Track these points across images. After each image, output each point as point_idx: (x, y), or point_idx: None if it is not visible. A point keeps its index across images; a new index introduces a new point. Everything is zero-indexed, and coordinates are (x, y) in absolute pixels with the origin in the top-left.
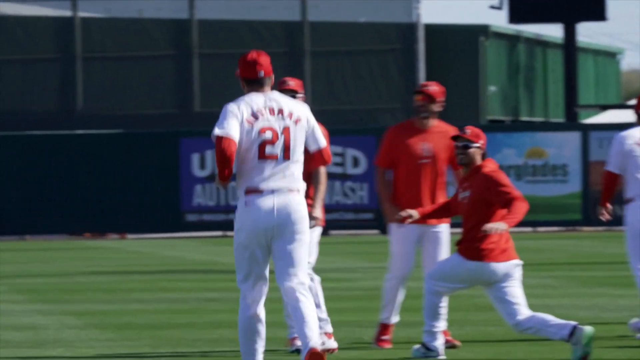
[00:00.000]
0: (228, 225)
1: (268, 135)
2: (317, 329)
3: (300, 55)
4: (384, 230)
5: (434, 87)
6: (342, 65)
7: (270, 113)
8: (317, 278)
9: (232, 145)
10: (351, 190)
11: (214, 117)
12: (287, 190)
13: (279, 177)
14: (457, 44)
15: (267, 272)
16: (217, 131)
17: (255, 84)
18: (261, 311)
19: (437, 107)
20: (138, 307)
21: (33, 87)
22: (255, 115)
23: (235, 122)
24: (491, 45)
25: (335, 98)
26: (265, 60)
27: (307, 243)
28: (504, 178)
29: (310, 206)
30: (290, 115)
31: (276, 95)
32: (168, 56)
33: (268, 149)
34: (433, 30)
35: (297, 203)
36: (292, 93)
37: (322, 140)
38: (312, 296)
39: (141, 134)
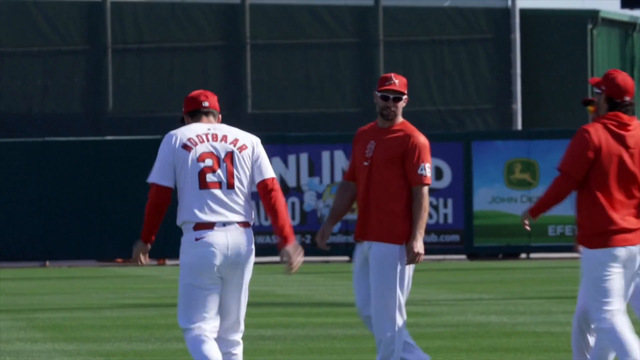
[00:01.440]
0: None
1: (208, 162)
2: None
3: (372, 46)
4: (472, 255)
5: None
6: (422, 57)
7: (213, 139)
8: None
9: (165, 193)
10: (433, 208)
11: (269, 119)
12: (236, 224)
13: (225, 209)
14: (560, 33)
15: (216, 313)
16: (149, 177)
17: (198, 114)
18: (212, 343)
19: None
20: (179, 346)
21: (56, 84)
22: (193, 142)
23: (168, 157)
24: (601, 34)
25: (414, 97)
26: (212, 96)
27: (247, 289)
28: None
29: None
30: (235, 142)
31: (222, 125)
32: (216, 47)
33: (209, 177)
34: (531, 17)
35: (248, 241)
36: (397, 94)
37: (269, 171)
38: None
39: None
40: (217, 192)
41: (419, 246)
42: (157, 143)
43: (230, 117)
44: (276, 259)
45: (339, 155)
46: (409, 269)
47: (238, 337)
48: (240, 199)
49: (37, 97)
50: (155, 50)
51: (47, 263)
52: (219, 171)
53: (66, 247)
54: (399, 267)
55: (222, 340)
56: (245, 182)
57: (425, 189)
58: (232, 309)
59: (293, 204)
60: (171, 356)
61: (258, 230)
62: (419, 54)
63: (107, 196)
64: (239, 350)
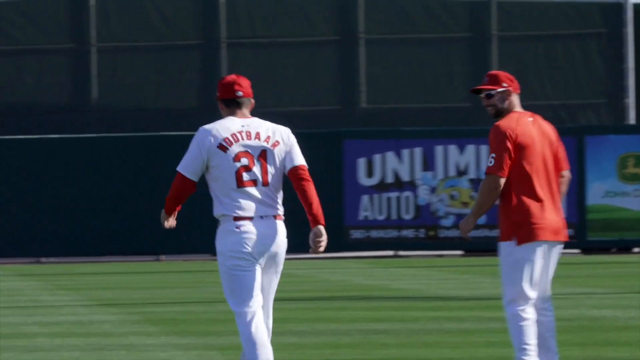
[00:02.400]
0: (400, 244)
1: (244, 161)
2: (269, 353)
3: (485, 41)
4: (586, 249)
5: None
6: (535, 52)
7: (247, 137)
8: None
9: (188, 184)
10: None
11: (383, 114)
12: (272, 217)
13: (261, 204)
14: None
15: (259, 293)
16: (178, 166)
17: (233, 105)
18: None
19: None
20: (294, 340)
21: (170, 79)
22: (228, 141)
23: (198, 155)
24: None
25: (527, 91)
26: (244, 82)
27: (278, 278)
28: None
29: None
30: (268, 139)
31: (255, 119)
32: (329, 42)
33: (245, 176)
34: None
35: (282, 233)
36: (485, 92)
37: (299, 159)
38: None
39: (296, 134)
40: (253, 189)
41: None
42: None
43: (344, 112)
44: (387, 253)
45: (453, 149)
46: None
47: (269, 324)
48: (275, 195)
49: (151, 92)
50: (269, 45)
51: (162, 257)
52: (254, 169)
53: (180, 241)
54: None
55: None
56: (279, 177)
57: (488, 177)
58: (264, 297)
59: (407, 198)
60: (284, 350)
61: (368, 225)
62: (532, 49)
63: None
64: (264, 322)
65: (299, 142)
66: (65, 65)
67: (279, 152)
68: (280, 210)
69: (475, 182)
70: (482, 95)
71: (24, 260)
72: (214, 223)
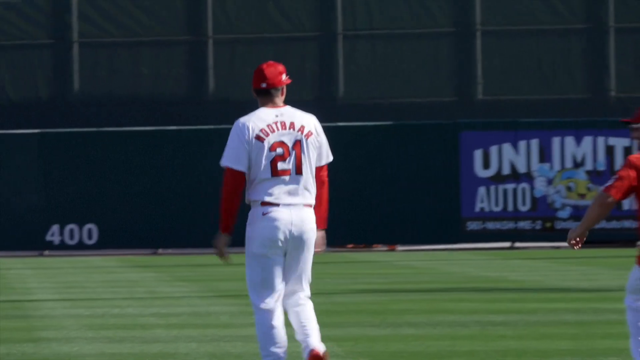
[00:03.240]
0: (517, 235)
1: (279, 151)
2: (317, 332)
3: (603, 32)
4: None
5: None
6: None
7: (282, 127)
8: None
9: (239, 177)
10: None
11: (499, 105)
12: (302, 205)
13: (293, 193)
14: None
15: (281, 282)
16: (223, 161)
17: (262, 95)
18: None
19: None
20: (411, 331)
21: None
22: (265, 132)
23: (240, 146)
24: None
25: None
26: (272, 71)
27: (311, 258)
28: None
29: None
30: (302, 129)
31: (287, 108)
32: (446, 34)
33: (280, 165)
34: None
35: (311, 219)
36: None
37: (324, 158)
38: (311, 305)
39: (412, 126)
40: (287, 178)
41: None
42: (388, 129)
43: (461, 104)
44: (503, 244)
45: (570, 141)
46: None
47: (303, 293)
48: (308, 183)
49: None
50: (386, 36)
51: None
52: (289, 159)
53: None
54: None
55: (291, 299)
56: (312, 166)
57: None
58: (290, 281)
59: (523, 189)
60: (402, 342)
61: (484, 217)
62: None
63: (342, 182)
64: (305, 301)
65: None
66: (182, 57)
67: (312, 142)
68: (312, 199)
69: (592, 174)
70: (631, 127)
71: (142, 251)
72: (333, 212)
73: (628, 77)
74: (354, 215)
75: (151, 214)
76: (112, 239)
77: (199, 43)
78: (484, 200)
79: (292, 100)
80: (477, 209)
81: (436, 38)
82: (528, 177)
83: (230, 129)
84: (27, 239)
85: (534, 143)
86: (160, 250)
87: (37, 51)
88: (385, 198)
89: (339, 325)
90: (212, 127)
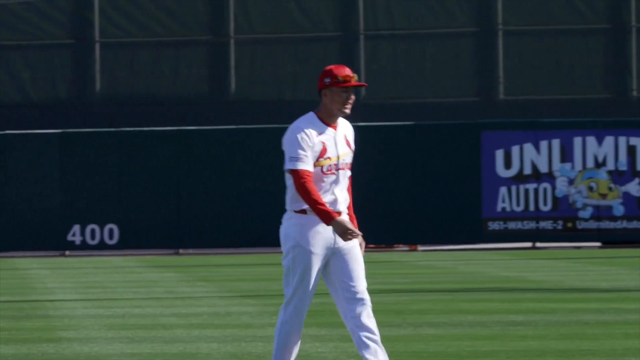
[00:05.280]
0: (538, 235)
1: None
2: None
3: (625, 32)
4: None
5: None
6: None
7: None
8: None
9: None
10: None
11: (521, 105)
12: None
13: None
14: None
15: (312, 296)
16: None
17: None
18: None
19: None
20: (431, 332)
21: (307, 71)
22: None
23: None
24: None
25: None
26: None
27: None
28: None
29: None
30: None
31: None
32: (468, 34)
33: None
34: None
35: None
36: None
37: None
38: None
39: (434, 126)
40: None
41: None
42: (409, 129)
43: (482, 104)
44: (525, 244)
45: (591, 141)
46: None
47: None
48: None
49: (289, 84)
50: (407, 36)
51: None
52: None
53: None
54: None
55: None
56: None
57: None
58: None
59: (545, 189)
60: (422, 342)
61: (506, 216)
62: None
63: (357, 182)
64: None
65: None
66: (203, 58)
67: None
68: (286, 205)
69: (613, 174)
70: None
71: (163, 251)
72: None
73: None
74: (375, 215)
75: (172, 214)
76: (133, 239)
77: (220, 43)
78: (505, 200)
79: (314, 101)
80: (498, 209)
81: (458, 38)
82: (549, 177)
83: (252, 128)
84: (49, 239)
85: (555, 143)
86: (181, 251)
87: (57, 51)
88: (406, 198)
89: None
90: (233, 127)
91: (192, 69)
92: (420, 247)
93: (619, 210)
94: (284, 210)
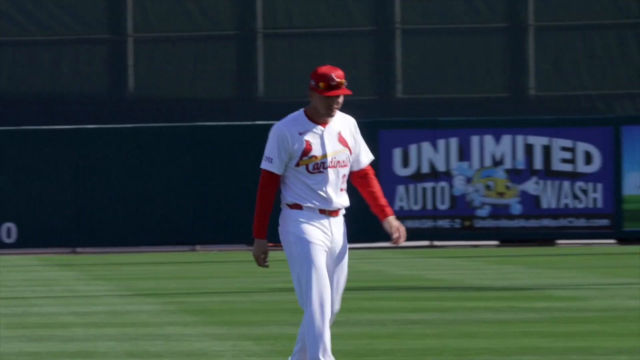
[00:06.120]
0: (436, 234)
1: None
2: None
3: (522, 31)
4: (622, 239)
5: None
6: (572, 42)
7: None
8: None
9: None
10: (582, 192)
11: (419, 104)
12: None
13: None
14: None
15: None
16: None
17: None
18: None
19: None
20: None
21: (207, 69)
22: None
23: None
24: None
25: (563, 81)
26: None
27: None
28: None
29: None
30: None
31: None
32: (366, 32)
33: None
34: None
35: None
36: None
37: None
38: None
39: None
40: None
41: None
42: None
43: (380, 102)
44: (423, 243)
45: (489, 139)
46: None
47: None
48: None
49: (188, 82)
50: (305, 35)
51: (198, 247)
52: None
53: (217, 232)
54: None
55: None
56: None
57: None
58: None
59: (442, 188)
60: None
61: (403, 215)
62: (568, 39)
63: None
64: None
65: None
66: (102, 56)
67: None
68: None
69: (511, 173)
70: None
71: (61, 250)
72: (251, 213)
73: (547, 76)
74: (272, 212)
75: (70, 212)
76: (31, 238)
77: (119, 42)
78: (403, 199)
79: (213, 100)
80: (396, 208)
81: (356, 37)
82: (447, 175)
83: (149, 127)
84: None
85: (453, 142)
86: (79, 249)
87: None
88: None
89: (258, 324)
90: (131, 125)
91: (91, 67)
92: None
93: (517, 209)
94: (183, 208)
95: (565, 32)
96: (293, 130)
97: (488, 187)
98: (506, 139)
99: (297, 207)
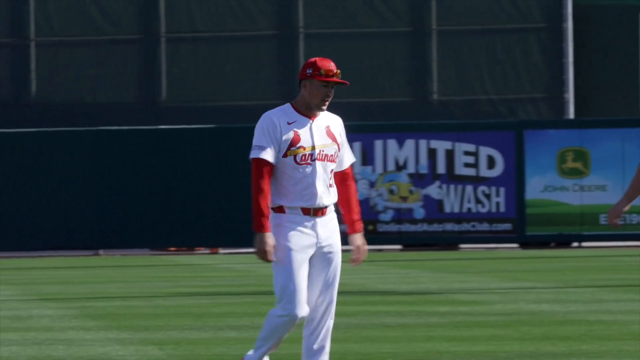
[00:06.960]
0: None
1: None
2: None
3: (425, 35)
4: (525, 244)
5: None
6: (474, 46)
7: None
8: None
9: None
10: (485, 197)
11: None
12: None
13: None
14: (612, 23)
15: None
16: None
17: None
18: None
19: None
20: (232, 335)
21: (109, 73)
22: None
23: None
24: None
25: (466, 86)
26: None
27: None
28: None
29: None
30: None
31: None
32: (269, 37)
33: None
34: (583, 6)
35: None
36: None
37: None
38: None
39: (236, 129)
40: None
41: None
42: (210, 132)
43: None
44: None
45: (392, 144)
46: None
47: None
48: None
49: (90, 87)
50: (208, 39)
51: (101, 252)
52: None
53: (119, 236)
54: None
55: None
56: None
57: None
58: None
59: None
60: (224, 344)
61: None
62: (471, 43)
63: (161, 185)
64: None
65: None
66: (4, 60)
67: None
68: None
69: (414, 177)
70: None
71: None
72: (153, 218)
73: (450, 80)
74: (175, 218)
75: None
76: None
77: (21, 46)
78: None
79: (115, 104)
80: None
81: (259, 41)
82: None
83: (55, 131)
84: None
85: (356, 146)
86: None
87: None
88: (208, 200)
89: (160, 328)
90: (34, 129)
91: None
92: (221, 250)
93: (420, 213)
94: (86, 213)
95: (468, 36)
96: (282, 119)
97: (391, 192)
98: (409, 144)
99: (280, 210)
